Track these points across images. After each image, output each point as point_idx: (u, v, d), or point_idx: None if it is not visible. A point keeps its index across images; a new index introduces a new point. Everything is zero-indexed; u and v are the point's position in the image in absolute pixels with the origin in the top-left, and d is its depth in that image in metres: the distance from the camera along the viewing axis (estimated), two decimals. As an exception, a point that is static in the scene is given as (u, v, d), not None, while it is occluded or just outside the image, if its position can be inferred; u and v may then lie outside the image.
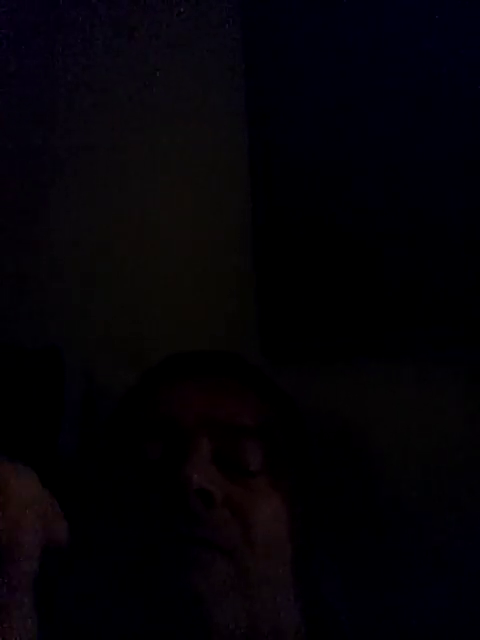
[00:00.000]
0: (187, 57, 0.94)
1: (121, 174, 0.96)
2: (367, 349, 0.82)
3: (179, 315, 0.89)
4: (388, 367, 0.81)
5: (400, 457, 0.79)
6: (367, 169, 0.85)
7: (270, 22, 0.90)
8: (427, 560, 0.77)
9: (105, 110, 0.97)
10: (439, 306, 0.80)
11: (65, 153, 0.98)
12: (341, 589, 0.75)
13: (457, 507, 0.77)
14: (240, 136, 0.89)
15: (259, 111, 0.89)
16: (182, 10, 0.93)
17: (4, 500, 0.50)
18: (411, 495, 0.79)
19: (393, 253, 0.83)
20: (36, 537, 0.51)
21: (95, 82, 0.98)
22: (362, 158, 0.85)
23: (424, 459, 0.79)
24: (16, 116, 1.00)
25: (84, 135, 0.98)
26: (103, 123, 0.97)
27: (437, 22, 0.84)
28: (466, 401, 0.78)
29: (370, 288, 0.82)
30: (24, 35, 0.99)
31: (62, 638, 0.58)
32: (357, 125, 0.86)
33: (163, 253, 0.92)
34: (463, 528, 0.76)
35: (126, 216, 0.95)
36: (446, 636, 0.72)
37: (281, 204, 0.87)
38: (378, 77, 0.86)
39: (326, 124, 0.87)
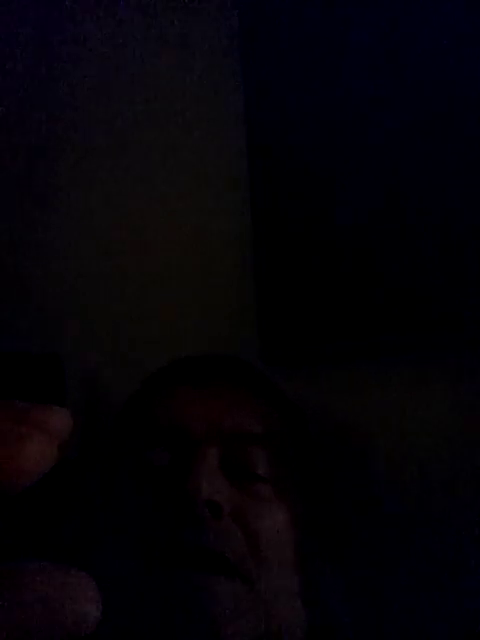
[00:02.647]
0: (186, 58, 0.93)
1: (121, 175, 0.96)
2: (366, 352, 0.82)
3: (178, 318, 0.89)
4: (387, 370, 0.81)
5: (399, 459, 0.79)
6: (367, 171, 0.85)
7: (268, 23, 0.89)
8: (428, 561, 0.77)
9: (105, 111, 0.97)
10: (437, 309, 0.80)
11: (65, 155, 0.98)
12: (342, 591, 0.75)
13: (457, 508, 0.77)
14: (239, 137, 0.89)
15: (258, 111, 0.89)
16: (180, 11, 0.92)
17: None
18: (410, 496, 0.79)
19: (392, 256, 0.82)
20: None
21: (95, 83, 0.98)
22: (362, 160, 0.85)
23: (423, 461, 0.79)
24: (16, 117, 0.99)
25: (84, 136, 0.97)
26: (103, 124, 0.97)
27: (437, 22, 0.83)
28: (464, 403, 0.78)
29: (369, 291, 0.82)
30: (24, 35, 0.99)
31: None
32: (357, 126, 0.85)
33: (163, 255, 0.92)
34: (462, 529, 0.76)
35: (126, 218, 0.95)
36: (447, 637, 0.73)
37: (280, 206, 0.87)
38: (378, 78, 0.85)
39: (326, 125, 0.86)
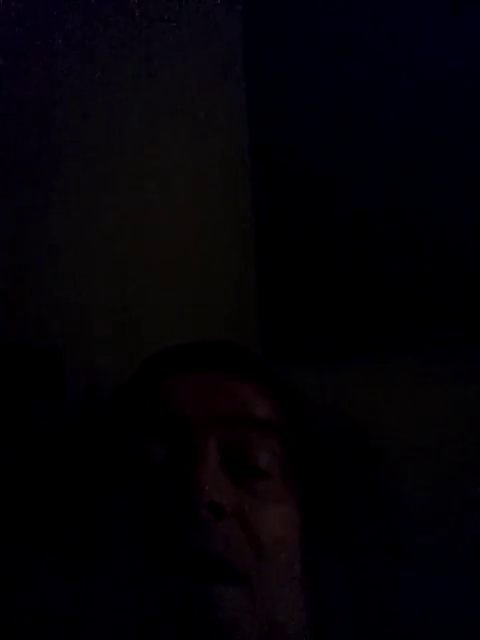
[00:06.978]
0: (188, 57, 0.94)
1: (121, 174, 0.96)
2: (368, 346, 0.82)
3: (180, 314, 0.89)
4: (388, 364, 0.81)
5: (401, 453, 0.79)
6: (367, 168, 0.85)
7: (271, 22, 0.90)
8: (429, 556, 0.77)
9: (105, 110, 0.97)
10: (438, 303, 0.81)
11: (65, 153, 0.98)
12: (344, 587, 0.75)
13: (458, 503, 0.77)
14: (241, 136, 0.90)
15: (260, 111, 0.90)
16: (182, 10, 0.93)
17: None
18: (411, 491, 0.78)
19: (393, 251, 0.83)
20: None
21: (96, 81, 0.98)
22: (362, 158, 0.86)
23: (424, 455, 0.79)
24: (16, 115, 1.00)
25: (84, 135, 0.98)
26: (103, 123, 0.97)
27: (437, 22, 0.84)
28: (466, 398, 0.78)
29: (370, 286, 0.83)
30: (24, 35, 1.00)
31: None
32: (358, 126, 0.86)
33: (163, 251, 0.92)
34: (464, 524, 0.76)
35: (126, 216, 0.95)
36: (447, 633, 0.72)
37: (282, 202, 0.87)
38: (379, 78, 0.86)
39: (327, 124, 0.88)
